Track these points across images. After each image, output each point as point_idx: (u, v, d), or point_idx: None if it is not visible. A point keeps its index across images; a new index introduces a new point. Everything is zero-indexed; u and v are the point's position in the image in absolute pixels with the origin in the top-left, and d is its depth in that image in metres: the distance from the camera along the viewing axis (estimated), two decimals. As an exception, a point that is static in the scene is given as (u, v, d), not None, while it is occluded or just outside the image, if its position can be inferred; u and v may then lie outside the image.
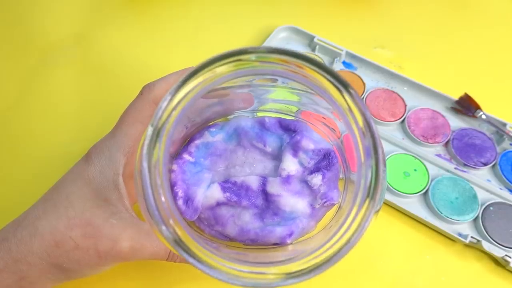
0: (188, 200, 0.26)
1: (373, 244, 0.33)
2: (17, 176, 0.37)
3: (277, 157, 0.28)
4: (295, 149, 0.27)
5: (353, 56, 0.44)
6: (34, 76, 0.43)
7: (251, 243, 0.26)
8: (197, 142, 0.28)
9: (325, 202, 0.26)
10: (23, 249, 0.24)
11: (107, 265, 0.26)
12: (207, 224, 0.27)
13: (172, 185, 0.27)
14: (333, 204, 0.26)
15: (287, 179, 0.27)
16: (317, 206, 0.26)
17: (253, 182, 0.27)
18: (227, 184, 0.27)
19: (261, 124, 0.29)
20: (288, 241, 0.25)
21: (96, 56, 0.46)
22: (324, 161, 0.27)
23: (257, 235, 0.26)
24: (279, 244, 0.26)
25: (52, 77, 0.43)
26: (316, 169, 0.27)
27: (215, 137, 0.28)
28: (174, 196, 0.27)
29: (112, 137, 0.27)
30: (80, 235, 0.24)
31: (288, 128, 0.29)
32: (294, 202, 0.26)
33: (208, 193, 0.26)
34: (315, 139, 0.28)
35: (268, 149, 0.28)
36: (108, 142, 0.27)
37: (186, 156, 0.28)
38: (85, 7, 0.50)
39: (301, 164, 0.27)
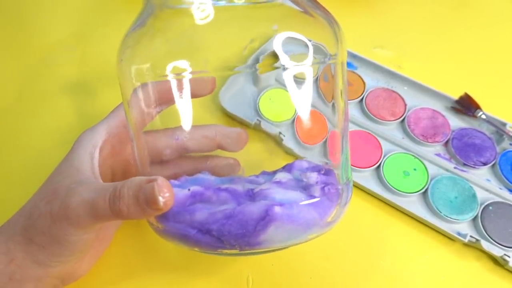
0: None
1: (372, 243, 0.33)
2: (17, 175, 0.37)
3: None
4: (289, 169, 0.27)
5: (353, 56, 0.44)
6: (34, 76, 0.43)
7: (227, 225, 0.22)
8: (187, 176, 0.27)
9: (324, 186, 0.24)
10: (11, 229, 0.25)
11: (65, 231, 0.23)
12: (174, 220, 0.23)
13: None
14: (336, 190, 0.24)
15: (278, 182, 0.25)
16: (316, 194, 0.24)
17: (239, 188, 0.24)
18: (209, 188, 0.24)
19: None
20: (277, 210, 0.22)
21: (96, 56, 0.46)
22: (321, 172, 0.26)
23: (233, 210, 0.22)
24: (265, 217, 0.22)
25: (52, 77, 0.43)
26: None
27: (206, 175, 0.28)
28: None
29: (102, 119, 0.29)
30: (44, 203, 0.24)
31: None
32: (286, 191, 0.23)
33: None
34: (309, 162, 0.27)
35: (261, 180, 0.27)
36: (97, 123, 0.28)
37: (172, 180, 0.26)
38: (85, 7, 0.50)
39: (296, 178, 0.26)
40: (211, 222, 0.22)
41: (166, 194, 0.21)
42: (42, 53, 0.45)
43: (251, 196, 0.24)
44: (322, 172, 0.26)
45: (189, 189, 0.24)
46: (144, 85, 0.26)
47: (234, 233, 0.22)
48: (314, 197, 0.23)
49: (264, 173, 0.28)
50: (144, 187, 0.21)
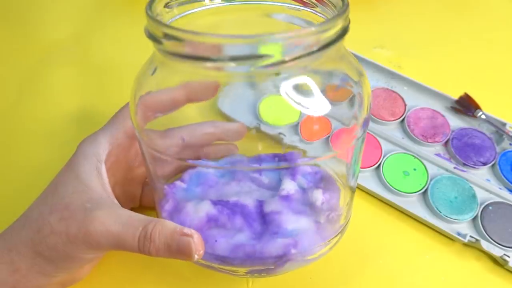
0: (174, 211, 0.25)
1: (372, 243, 0.33)
2: (17, 175, 0.37)
3: (275, 188, 0.27)
4: (293, 173, 0.27)
5: (353, 56, 0.44)
6: (34, 76, 0.43)
7: (248, 262, 0.24)
8: (190, 171, 0.28)
9: (329, 214, 0.25)
10: (15, 239, 0.25)
11: (82, 252, 0.24)
12: None
13: (161, 202, 0.26)
14: (338, 216, 0.26)
15: (286, 197, 0.26)
16: (322, 221, 0.25)
17: (249, 202, 0.25)
18: (219, 202, 0.25)
19: (257, 157, 0.29)
20: (293, 252, 0.23)
21: (96, 56, 0.46)
22: (323, 182, 0.27)
23: (253, 248, 0.23)
24: (282, 257, 0.23)
25: (52, 77, 0.43)
26: (315, 188, 0.26)
27: (209, 168, 0.28)
28: (160, 209, 0.26)
29: (102, 129, 0.28)
30: (57, 220, 0.24)
31: (284, 158, 0.28)
32: (296, 219, 0.25)
33: (198, 206, 0.25)
34: (311, 165, 0.28)
35: (265, 179, 0.28)
36: (97, 133, 0.28)
37: (178, 183, 0.28)
38: (85, 7, 0.50)
39: (300, 186, 0.27)
40: (233, 258, 0.24)
41: (201, 251, 0.22)
42: (42, 53, 0.45)
43: (263, 217, 0.25)
44: (324, 185, 0.27)
45: (212, 205, 0.25)
46: (150, 92, 0.27)
47: (254, 268, 0.24)
48: (320, 223, 0.25)
49: (264, 159, 0.28)
50: (177, 240, 0.22)
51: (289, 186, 0.26)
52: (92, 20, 0.49)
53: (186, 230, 0.22)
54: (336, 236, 0.26)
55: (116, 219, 0.23)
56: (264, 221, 0.25)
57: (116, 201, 0.26)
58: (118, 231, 0.23)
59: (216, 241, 0.24)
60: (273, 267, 0.24)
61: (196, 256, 0.22)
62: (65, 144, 0.38)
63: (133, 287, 0.31)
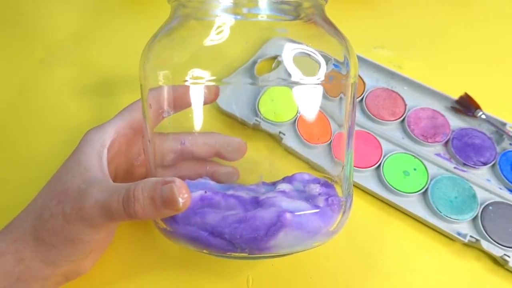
0: None
1: (372, 243, 0.33)
2: (16, 175, 0.37)
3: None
4: (290, 181, 0.27)
5: (353, 56, 0.44)
6: (34, 76, 0.43)
7: (239, 230, 0.23)
8: (189, 180, 0.28)
9: (328, 198, 0.25)
10: (19, 229, 0.25)
11: (79, 232, 0.24)
12: (184, 222, 0.24)
13: None
14: (339, 201, 0.25)
15: (282, 191, 0.26)
16: (321, 205, 0.25)
17: (244, 194, 0.25)
18: (216, 192, 0.25)
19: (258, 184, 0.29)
20: (288, 217, 0.23)
21: (96, 56, 0.46)
22: (322, 186, 0.27)
23: (245, 215, 0.23)
24: (276, 222, 0.23)
25: (52, 77, 0.43)
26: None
27: (207, 180, 0.28)
28: None
29: (108, 120, 0.28)
30: (55, 203, 0.24)
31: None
32: (292, 201, 0.25)
33: (192, 190, 0.24)
34: (309, 174, 0.28)
35: (262, 189, 0.27)
36: (103, 123, 0.28)
37: None
38: (85, 7, 0.50)
39: (297, 189, 0.27)
40: (224, 225, 0.23)
41: (185, 195, 0.21)
42: (42, 53, 0.45)
43: (257, 203, 0.25)
44: (323, 184, 0.27)
45: (206, 192, 0.25)
46: (161, 88, 0.27)
47: (246, 237, 0.23)
48: (319, 207, 0.24)
49: (263, 183, 0.28)
50: (160, 189, 0.22)
51: (284, 186, 0.27)
52: (92, 20, 0.49)
53: (168, 178, 0.22)
54: (337, 219, 0.26)
55: (104, 190, 0.23)
56: (258, 205, 0.24)
57: (111, 181, 0.26)
58: (105, 199, 0.23)
59: (205, 192, 0.24)
60: (266, 235, 0.23)
61: (181, 201, 0.21)
62: (65, 143, 0.38)
63: (135, 282, 0.31)
